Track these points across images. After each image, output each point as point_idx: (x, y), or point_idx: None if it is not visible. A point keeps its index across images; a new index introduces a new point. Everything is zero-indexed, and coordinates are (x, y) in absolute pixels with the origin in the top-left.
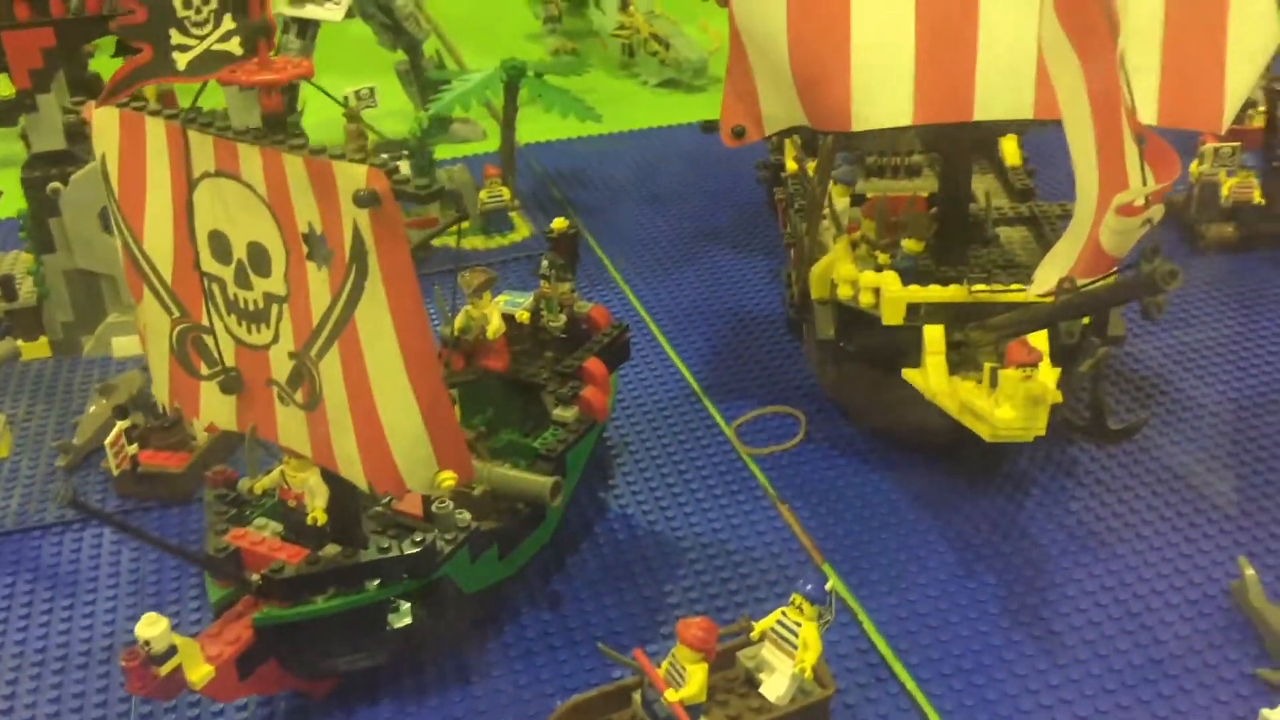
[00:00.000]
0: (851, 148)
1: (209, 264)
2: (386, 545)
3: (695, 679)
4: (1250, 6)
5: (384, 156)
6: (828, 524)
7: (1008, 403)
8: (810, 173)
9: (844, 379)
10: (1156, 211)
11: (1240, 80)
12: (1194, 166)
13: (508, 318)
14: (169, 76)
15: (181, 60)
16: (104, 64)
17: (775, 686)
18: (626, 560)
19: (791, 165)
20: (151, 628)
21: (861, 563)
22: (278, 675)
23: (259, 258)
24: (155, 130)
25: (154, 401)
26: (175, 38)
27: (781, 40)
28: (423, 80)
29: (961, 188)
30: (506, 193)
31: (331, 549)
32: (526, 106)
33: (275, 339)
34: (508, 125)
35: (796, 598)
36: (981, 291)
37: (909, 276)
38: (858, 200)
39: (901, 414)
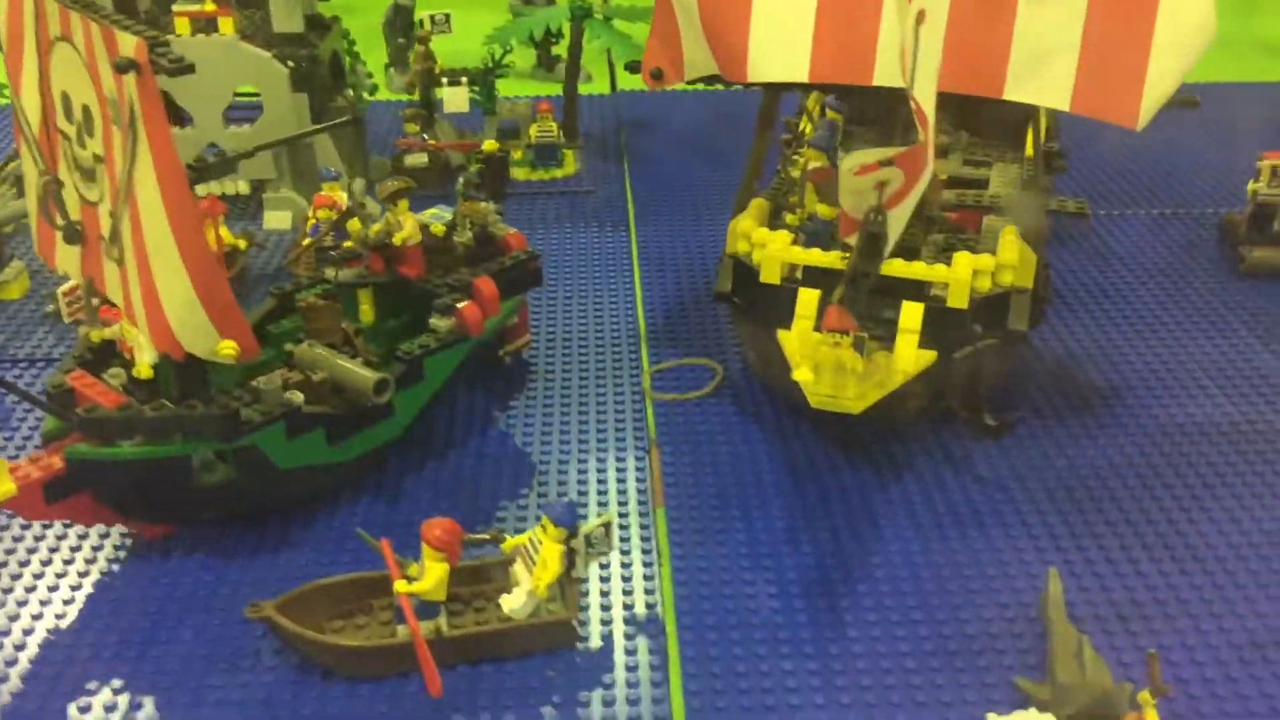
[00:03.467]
0: (865, 120)
1: (62, 122)
2: (194, 404)
3: (431, 575)
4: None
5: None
6: (689, 474)
7: (807, 364)
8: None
9: (745, 334)
10: (893, 175)
11: (1164, 74)
12: (1251, 185)
13: (426, 229)
14: None
15: None
16: None
17: (513, 600)
18: (481, 473)
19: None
20: None
21: (695, 515)
22: (93, 507)
23: (88, 119)
24: None
25: None
26: None
27: None
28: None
29: None
30: (555, 127)
31: (156, 404)
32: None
33: (101, 197)
34: (572, 62)
35: (545, 517)
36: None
37: (814, 240)
38: None
39: (782, 374)
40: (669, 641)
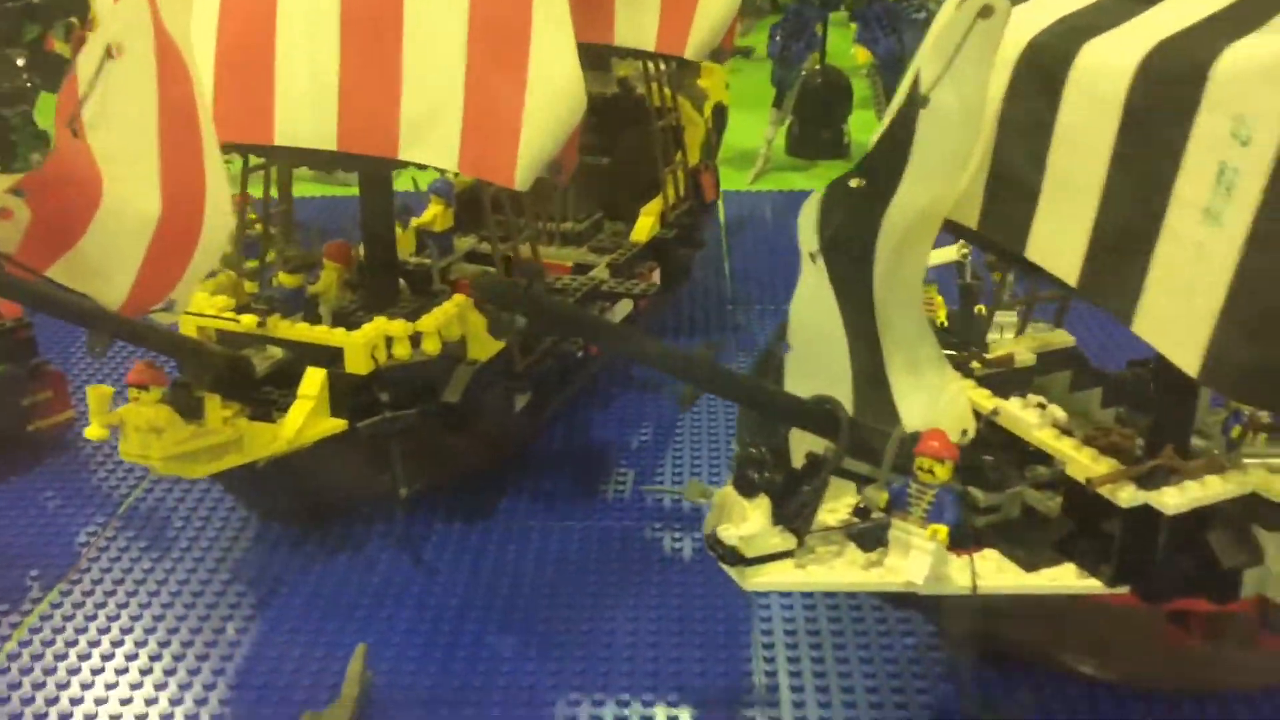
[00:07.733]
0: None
1: None
2: None
3: None
4: (552, 65)
5: None
6: (134, 545)
7: (99, 420)
8: None
9: None
10: (16, 206)
11: (537, 138)
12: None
13: None
14: None
15: None
16: None
17: None
18: None
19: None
20: None
21: (118, 585)
22: None
23: None
24: None
25: None
26: None
27: None
28: None
29: (381, 229)
30: None
31: None
32: None
33: None
34: None
35: None
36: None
37: (274, 307)
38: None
39: None
40: None
